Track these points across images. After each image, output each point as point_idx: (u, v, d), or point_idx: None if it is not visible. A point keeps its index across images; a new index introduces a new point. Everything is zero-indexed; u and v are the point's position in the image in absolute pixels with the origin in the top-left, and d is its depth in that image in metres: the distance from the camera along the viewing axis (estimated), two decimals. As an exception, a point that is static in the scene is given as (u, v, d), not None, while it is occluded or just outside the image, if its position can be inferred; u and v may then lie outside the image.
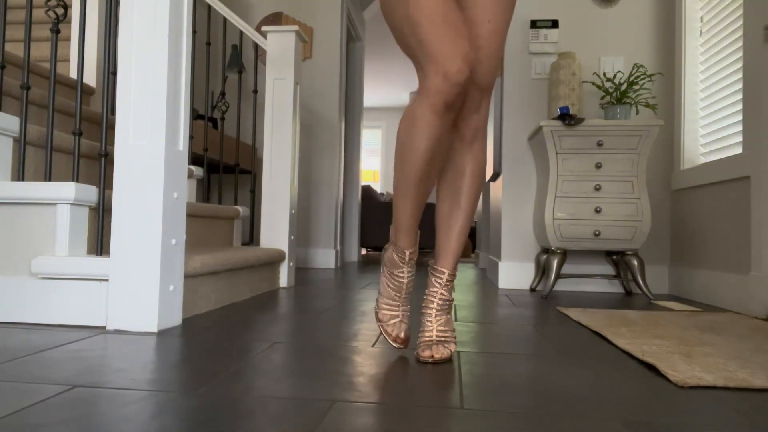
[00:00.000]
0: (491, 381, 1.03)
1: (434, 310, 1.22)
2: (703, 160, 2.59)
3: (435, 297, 1.23)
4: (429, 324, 1.21)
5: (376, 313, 1.28)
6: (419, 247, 5.74)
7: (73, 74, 3.02)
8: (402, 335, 1.23)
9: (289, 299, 2.14)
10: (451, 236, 1.23)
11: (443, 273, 1.23)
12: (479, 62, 1.14)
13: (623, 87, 2.69)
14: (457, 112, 1.16)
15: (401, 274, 1.23)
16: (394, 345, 1.23)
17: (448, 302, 1.24)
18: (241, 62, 2.74)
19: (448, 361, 1.18)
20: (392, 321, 1.24)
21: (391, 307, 1.25)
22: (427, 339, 1.19)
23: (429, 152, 1.09)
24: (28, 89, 1.65)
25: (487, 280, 3.29)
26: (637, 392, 0.98)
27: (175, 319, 1.54)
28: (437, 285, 1.23)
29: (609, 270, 2.80)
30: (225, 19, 2.65)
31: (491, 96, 1.25)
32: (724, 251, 2.28)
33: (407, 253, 1.21)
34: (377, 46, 6.92)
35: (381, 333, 1.37)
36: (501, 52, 1.18)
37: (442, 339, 1.20)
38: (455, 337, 1.22)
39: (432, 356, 1.16)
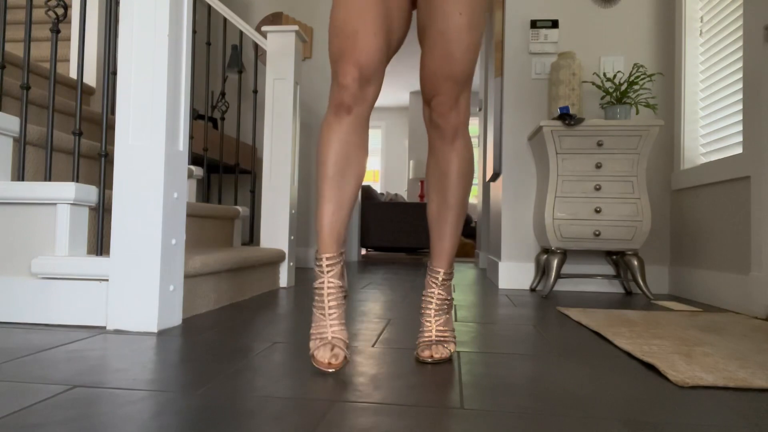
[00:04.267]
0: (491, 381, 1.03)
1: (433, 310, 1.21)
2: (703, 160, 2.59)
3: (433, 297, 1.22)
4: (428, 324, 1.21)
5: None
6: (417, 247, 5.74)
7: (73, 74, 3.02)
8: (332, 360, 1.05)
9: (289, 299, 2.14)
10: (442, 235, 1.22)
11: (438, 272, 1.22)
12: (452, 56, 1.12)
13: (623, 87, 2.69)
14: (434, 111, 1.16)
15: (320, 286, 1.10)
16: (326, 370, 1.05)
17: (446, 302, 1.23)
18: (241, 62, 2.74)
19: (447, 361, 1.18)
20: (319, 344, 1.08)
21: (318, 327, 1.10)
22: (426, 339, 1.19)
23: (333, 153, 1.11)
24: (28, 89, 1.65)
25: (487, 280, 3.29)
26: (637, 392, 0.98)
27: (175, 319, 1.54)
28: (434, 285, 1.23)
29: (609, 270, 2.80)
30: (225, 19, 2.65)
31: (470, 92, 1.22)
32: (724, 251, 2.28)
33: (323, 258, 1.10)
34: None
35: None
36: (477, 46, 1.14)
37: (442, 339, 1.19)
38: (455, 337, 1.22)
39: (431, 356, 1.15)
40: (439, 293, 1.22)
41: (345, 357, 1.07)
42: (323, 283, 1.11)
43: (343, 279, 1.16)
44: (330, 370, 1.05)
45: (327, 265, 1.10)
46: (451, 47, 1.11)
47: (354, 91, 1.09)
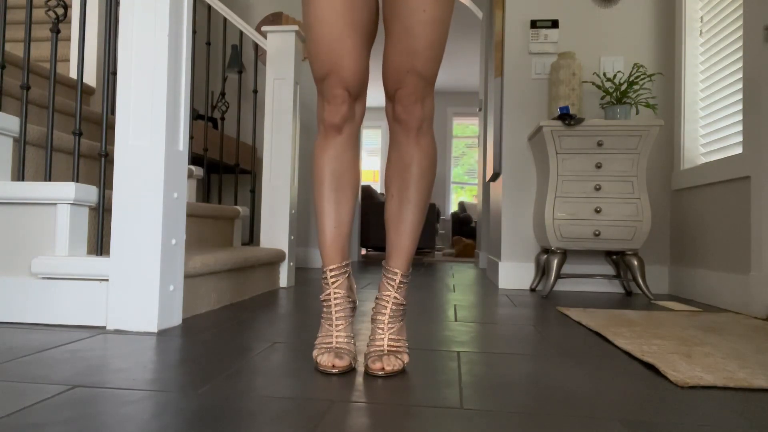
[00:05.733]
0: (491, 381, 1.03)
1: (387, 317, 1.11)
2: (703, 160, 2.59)
3: (387, 302, 1.12)
4: (380, 332, 1.11)
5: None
6: (419, 247, 5.73)
7: (73, 74, 3.02)
8: (336, 361, 1.05)
9: (289, 299, 2.14)
10: (401, 233, 1.14)
11: (396, 274, 1.13)
12: (416, 52, 1.09)
13: (623, 87, 2.69)
14: (398, 103, 1.15)
15: (327, 297, 1.12)
16: (330, 370, 1.05)
17: (402, 307, 1.14)
18: (241, 62, 2.74)
19: (400, 373, 1.07)
20: (323, 351, 1.09)
21: (324, 338, 1.11)
22: (378, 349, 1.09)
23: (328, 173, 1.14)
24: (28, 89, 1.65)
25: (487, 280, 3.29)
26: (637, 392, 0.98)
27: (175, 319, 1.54)
28: (390, 288, 1.13)
29: (609, 270, 2.80)
30: (225, 19, 2.65)
31: (433, 92, 1.21)
32: (724, 251, 2.28)
33: (327, 270, 1.13)
34: (376, 47, 6.92)
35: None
36: (442, 42, 1.11)
37: (394, 349, 1.09)
38: (407, 348, 1.14)
39: (383, 368, 1.04)
40: (395, 297, 1.12)
41: (350, 362, 1.06)
42: (329, 294, 1.12)
43: (350, 290, 1.16)
44: (334, 370, 1.04)
45: (331, 276, 1.12)
46: (414, 43, 1.08)
47: (344, 113, 1.11)
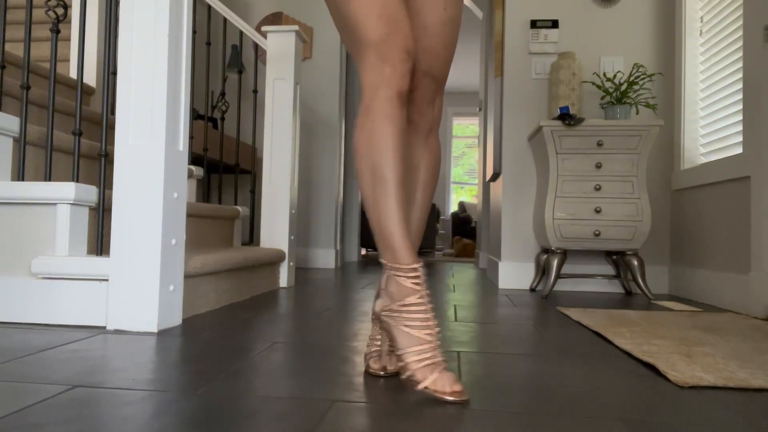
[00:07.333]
0: (491, 381, 1.03)
1: None
2: (703, 160, 2.59)
3: None
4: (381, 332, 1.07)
5: (413, 374, 0.91)
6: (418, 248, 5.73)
7: (73, 74, 3.02)
8: (457, 387, 0.90)
9: (289, 299, 2.14)
10: None
11: None
12: (434, 52, 1.07)
13: (623, 87, 2.69)
14: (411, 105, 1.12)
15: (420, 301, 0.94)
16: (458, 399, 0.89)
17: None
18: (241, 62, 2.74)
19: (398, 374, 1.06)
20: (434, 369, 0.91)
21: (425, 351, 0.91)
22: (379, 349, 1.07)
23: (400, 148, 0.97)
24: (28, 89, 1.65)
25: (487, 280, 3.29)
26: (637, 392, 0.98)
27: (175, 319, 1.54)
28: None
29: (609, 270, 2.80)
30: (225, 19, 2.65)
31: (444, 91, 1.19)
32: (724, 251, 2.28)
33: (417, 267, 0.94)
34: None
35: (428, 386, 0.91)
36: (456, 42, 1.10)
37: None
38: None
39: (385, 368, 1.04)
40: None
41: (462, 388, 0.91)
42: (422, 297, 0.93)
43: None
44: (458, 400, 0.88)
45: (420, 274, 0.94)
46: (432, 43, 1.07)
47: (409, 81, 0.98)
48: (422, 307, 0.93)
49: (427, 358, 0.90)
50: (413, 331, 0.92)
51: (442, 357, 0.92)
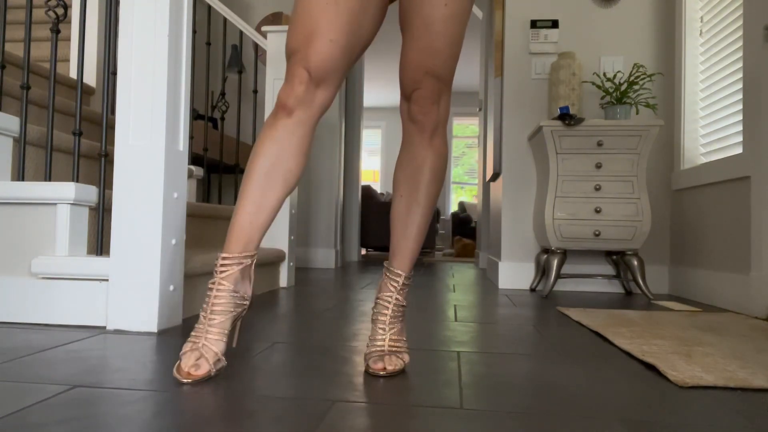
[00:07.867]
0: (491, 381, 1.03)
1: (388, 317, 1.11)
2: (703, 160, 2.59)
3: (389, 303, 1.11)
4: (381, 333, 1.10)
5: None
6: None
7: (73, 74, 3.02)
8: (192, 370, 0.98)
9: (289, 299, 2.14)
10: (407, 235, 1.13)
11: (399, 276, 1.12)
12: (436, 50, 1.06)
13: (623, 87, 2.69)
14: (415, 104, 1.12)
15: (210, 287, 1.03)
16: (181, 380, 0.97)
17: (402, 308, 1.13)
18: (241, 62, 2.74)
19: (400, 373, 1.08)
20: (188, 349, 1.00)
21: (197, 331, 1.02)
22: (379, 349, 1.08)
23: (263, 155, 1.04)
24: (28, 89, 1.65)
25: (487, 280, 3.29)
26: (637, 392, 0.98)
27: (176, 319, 1.54)
28: (392, 289, 1.12)
29: (609, 270, 2.80)
30: (225, 19, 2.65)
31: (450, 90, 1.18)
32: (724, 251, 2.28)
33: (220, 257, 1.02)
34: (377, 46, 6.92)
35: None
36: (461, 40, 1.09)
37: (395, 349, 1.09)
38: (407, 348, 1.13)
39: (384, 368, 1.05)
40: (396, 299, 1.11)
41: (208, 371, 0.98)
42: (214, 283, 1.02)
43: (241, 285, 1.05)
44: (184, 381, 0.96)
45: (221, 265, 1.02)
46: (434, 41, 1.05)
47: (299, 95, 1.02)
48: (210, 292, 1.03)
49: (192, 337, 1.01)
50: (201, 312, 1.04)
51: (206, 343, 1.00)
